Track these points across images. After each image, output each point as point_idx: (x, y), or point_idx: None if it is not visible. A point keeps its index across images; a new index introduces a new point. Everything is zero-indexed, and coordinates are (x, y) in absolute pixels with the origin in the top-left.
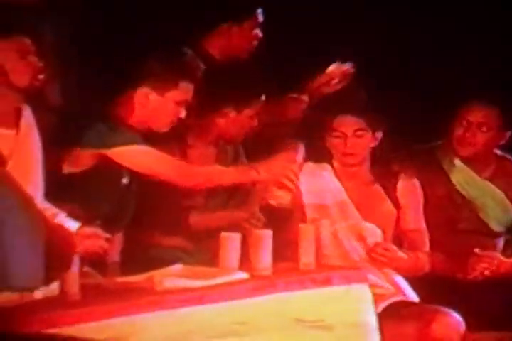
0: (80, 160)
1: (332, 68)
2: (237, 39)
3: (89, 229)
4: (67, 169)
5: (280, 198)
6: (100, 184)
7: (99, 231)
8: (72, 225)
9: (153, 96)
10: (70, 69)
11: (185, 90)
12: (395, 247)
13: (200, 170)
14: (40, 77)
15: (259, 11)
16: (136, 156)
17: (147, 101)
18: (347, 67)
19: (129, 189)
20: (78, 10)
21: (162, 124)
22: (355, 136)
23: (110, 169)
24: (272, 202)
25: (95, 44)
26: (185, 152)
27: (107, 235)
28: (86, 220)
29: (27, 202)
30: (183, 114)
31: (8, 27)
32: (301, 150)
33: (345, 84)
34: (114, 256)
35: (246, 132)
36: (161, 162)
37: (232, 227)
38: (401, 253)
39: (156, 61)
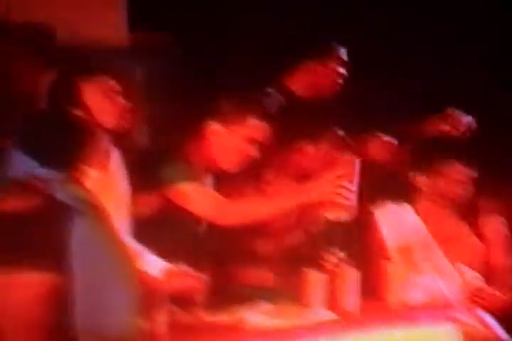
0: (154, 201)
1: (449, 114)
2: (320, 76)
3: (177, 268)
4: (143, 210)
5: (337, 214)
6: (176, 225)
7: (188, 270)
8: (160, 264)
9: (224, 133)
10: (153, 109)
11: (256, 128)
12: (497, 292)
13: (238, 205)
14: (127, 117)
15: (343, 49)
16: (181, 194)
17: (217, 138)
18: (468, 119)
19: (209, 229)
20: (162, 50)
21: (231, 163)
22: (460, 181)
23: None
24: (329, 216)
25: (175, 84)
26: (262, 189)
27: (196, 274)
28: (171, 260)
29: (119, 241)
30: (254, 152)
31: (94, 69)
32: (356, 166)
33: (465, 135)
34: (201, 294)
35: (325, 167)
36: (201, 200)
37: (314, 264)
38: (502, 296)
39: (230, 97)
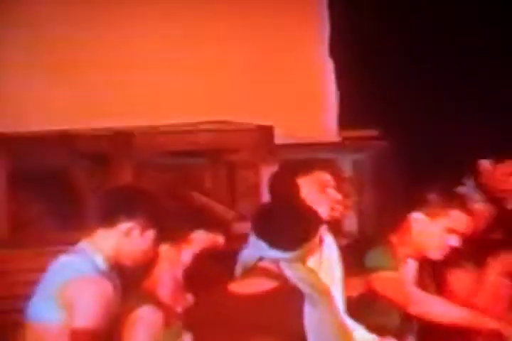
0: (361, 284)
1: None
2: None
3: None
4: (351, 292)
5: None
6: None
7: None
8: (371, 337)
9: (426, 222)
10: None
11: (456, 219)
12: None
13: (428, 299)
14: (339, 208)
15: None
16: (381, 280)
17: (421, 227)
18: None
19: None
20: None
21: (434, 251)
22: None
23: None
24: None
25: (382, 176)
26: (461, 277)
27: None
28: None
29: (342, 322)
30: (454, 242)
31: (312, 164)
32: None
33: None
34: None
35: None
36: (398, 289)
37: None
38: None
39: (435, 189)
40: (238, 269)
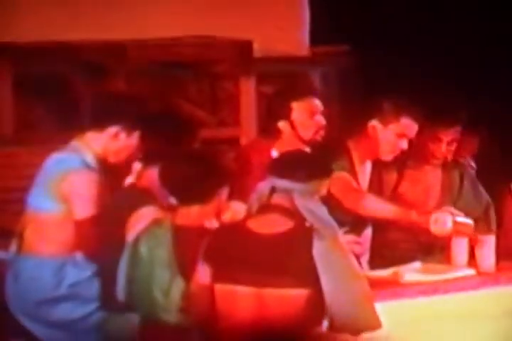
0: None
1: None
2: None
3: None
4: None
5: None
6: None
7: (354, 238)
8: None
9: (380, 129)
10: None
11: (406, 125)
12: None
13: (367, 198)
14: (322, 133)
15: None
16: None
17: (375, 133)
18: None
19: None
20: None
21: (387, 153)
22: None
23: None
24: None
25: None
26: (406, 173)
27: (359, 239)
28: None
29: (346, 252)
30: (404, 145)
31: (305, 91)
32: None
33: None
34: (365, 253)
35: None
36: (346, 188)
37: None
38: None
39: (390, 99)
40: (254, 203)
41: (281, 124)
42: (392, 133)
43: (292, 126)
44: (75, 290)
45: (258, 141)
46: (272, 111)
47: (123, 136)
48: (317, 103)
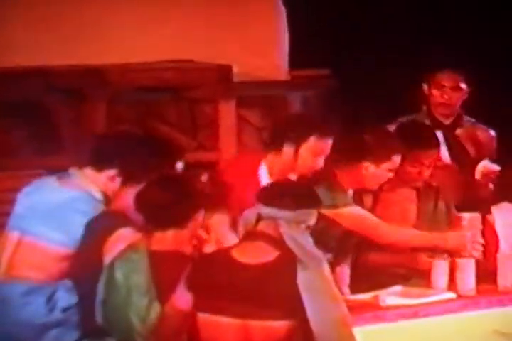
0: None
1: None
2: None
3: None
4: None
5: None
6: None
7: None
8: None
9: (373, 168)
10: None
11: (396, 161)
12: None
13: (398, 230)
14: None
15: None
16: (352, 216)
17: (368, 172)
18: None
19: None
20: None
21: (374, 185)
22: None
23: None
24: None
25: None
26: (382, 197)
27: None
28: None
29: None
30: (390, 175)
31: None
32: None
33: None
34: (345, 278)
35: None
36: (368, 221)
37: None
38: None
39: (376, 132)
40: (240, 229)
41: (287, 148)
42: (384, 170)
43: (295, 154)
44: (66, 316)
45: (239, 158)
46: (291, 132)
47: (119, 180)
48: (328, 146)
